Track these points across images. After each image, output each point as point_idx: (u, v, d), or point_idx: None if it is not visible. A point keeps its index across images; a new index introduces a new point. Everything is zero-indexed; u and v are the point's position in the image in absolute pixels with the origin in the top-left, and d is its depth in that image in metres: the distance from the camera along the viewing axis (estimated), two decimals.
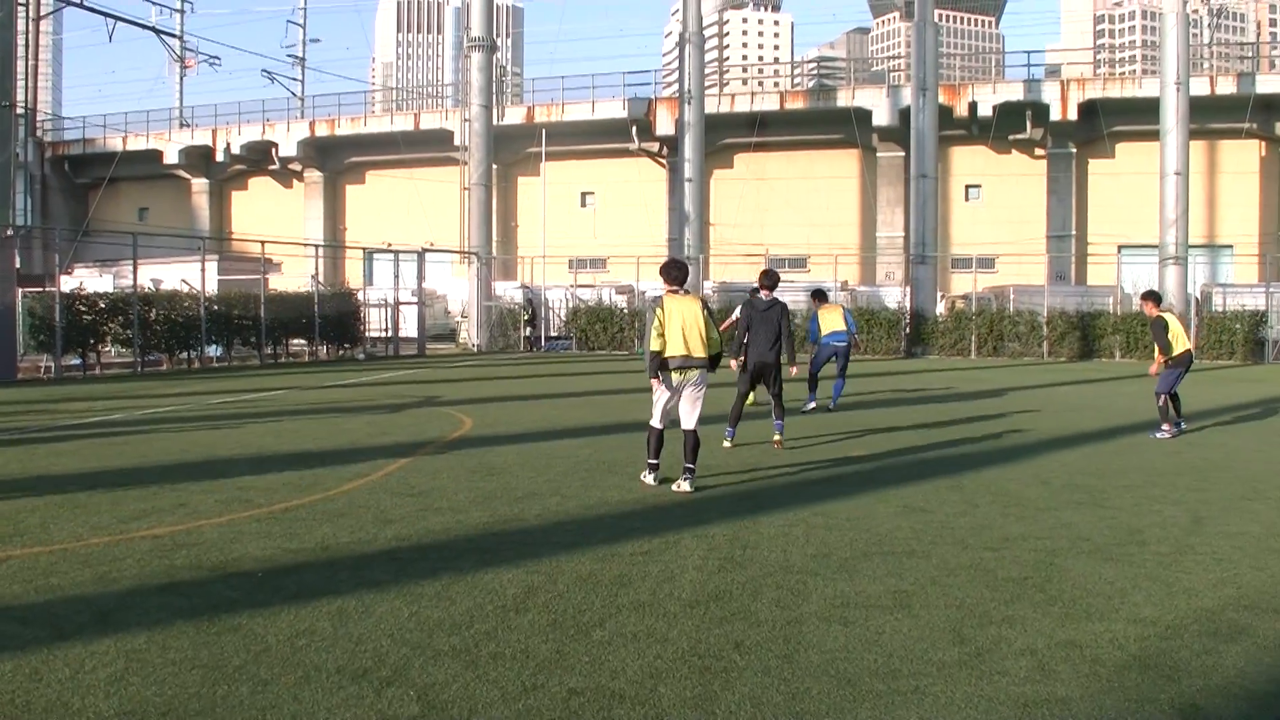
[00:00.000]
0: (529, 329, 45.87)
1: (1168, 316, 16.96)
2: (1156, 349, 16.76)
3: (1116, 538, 8.97)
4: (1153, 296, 17.43)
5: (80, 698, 5.24)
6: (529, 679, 5.52)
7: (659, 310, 11.23)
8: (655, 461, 11.50)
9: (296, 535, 8.85)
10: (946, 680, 5.55)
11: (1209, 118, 49.31)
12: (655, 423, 11.42)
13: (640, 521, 9.64)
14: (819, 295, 21.18)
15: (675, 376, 11.24)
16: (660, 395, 11.36)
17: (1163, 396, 16.64)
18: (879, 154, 56.49)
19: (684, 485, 11.18)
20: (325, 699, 5.24)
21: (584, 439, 15.38)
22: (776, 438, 14.83)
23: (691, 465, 11.29)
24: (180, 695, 5.27)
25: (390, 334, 43.58)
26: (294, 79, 74.64)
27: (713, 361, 11.41)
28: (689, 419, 11.30)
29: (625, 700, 5.25)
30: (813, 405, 19.43)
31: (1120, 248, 51.98)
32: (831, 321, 20.04)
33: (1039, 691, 5.40)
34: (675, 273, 11.46)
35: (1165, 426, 16.42)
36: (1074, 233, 54.24)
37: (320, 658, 5.83)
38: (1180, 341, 16.71)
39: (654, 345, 11.17)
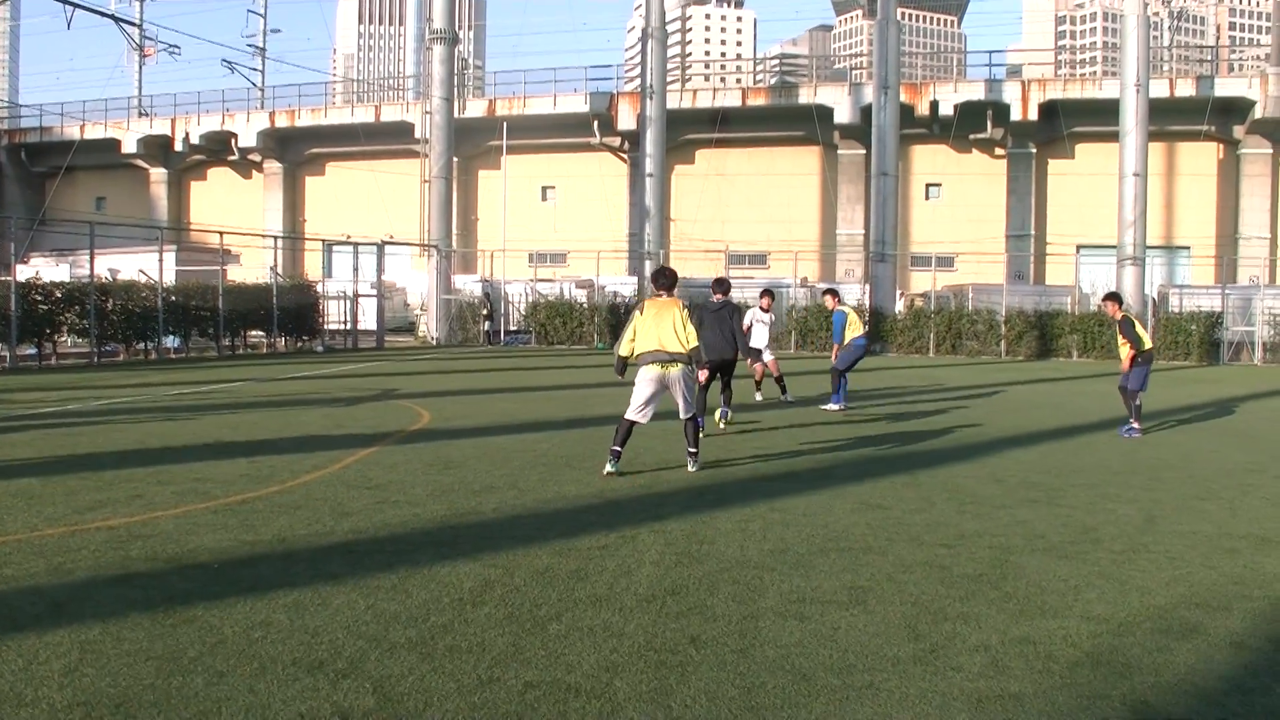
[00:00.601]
0: (487, 323, 45.82)
1: (1132, 316, 17.36)
2: (1127, 347, 16.92)
3: (1071, 535, 9.04)
4: (1115, 298, 17.80)
5: (34, 689, 5.19)
6: (485, 672, 5.52)
7: (637, 313, 12.10)
8: (619, 450, 11.92)
9: (253, 527, 8.80)
10: (901, 676, 5.58)
11: (1168, 120, 49.79)
12: (629, 415, 11.89)
13: (598, 516, 9.64)
14: (835, 294, 21.17)
15: (656, 369, 11.81)
16: (642, 391, 11.86)
17: (1138, 395, 16.82)
18: (840, 151, 56.74)
19: (690, 468, 12.16)
20: (281, 691, 5.21)
21: (543, 433, 15.37)
22: (719, 419, 16.42)
23: (694, 450, 12.27)
24: (135, 687, 5.24)
25: (349, 326, 43.42)
26: (254, 69, 74.08)
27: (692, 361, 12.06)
28: (683, 411, 12.08)
29: (581, 694, 5.25)
30: (837, 406, 19.31)
31: (1079, 248, 52.44)
32: (857, 325, 20.01)
33: (992, 687, 5.44)
34: (664, 280, 12.32)
35: (1136, 424, 16.61)
36: (1033, 232, 54.66)
37: (276, 649, 5.81)
38: (1146, 338, 17.16)
39: (623, 350, 12.01)
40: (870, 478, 12.02)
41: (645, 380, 11.85)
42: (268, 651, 5.78)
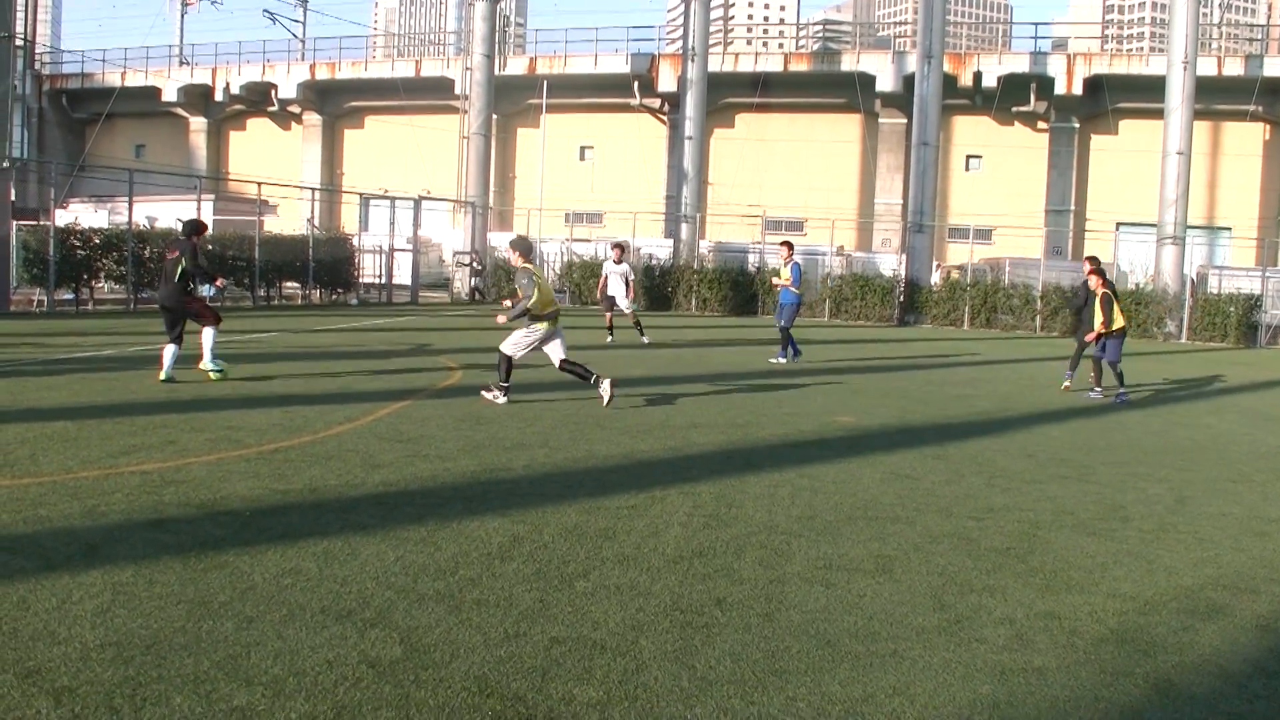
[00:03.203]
0: (476, 279, 45.89)
1: (1112, 294, 18.48)
2: (1099, 319, 17.94)
3: (1100, 513, 9.03)
4: (1100, 271, 18.86)
5: (67, 627, 5.27)
6: (512, 626, 5.56)
7: (537, 277, 13.82)
8: (507, 385, 13.99)
9: (284, 476, 8.87)
10: (925, 645, 5.60)
11: (1214, 98, 49.10)
12: (509, 352, 13.98)
13: (627, 476, 9.68)
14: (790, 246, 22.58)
15: (547, 326, 13.97)
16: (531, 338, 13.98)
17: (1118, 365, 18.04)
18: (881, 120, 56.27)
19: (606, 389, 13.91)
20: (309, 638, 5.27)
21: (573, 392, 15.40)
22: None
23: (587, 374, 14.09)
24: (165, 629, 5.30)
25: (383, 281, 43.48)
26: (295, 20, 74.02)
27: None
28: (558, 356, 14.11)
29: (606, 651, 5.29)
30: (784, 359, 21.12)
31: (1118, 225, 51.92)
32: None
33: (1016, 660, 5.45)
34: (524, 246, 14.57)
35: (1123, 390, 18.03)
36: (1073, 208, 54.12)
37: (305, 597, 5.87)
38: (1119, 318, 18.24)
39: (536, 305, 13.73)
40: (900, 448, 12.02)
41: (537, 331, 13.94)
42: (297, 599, 5.84)
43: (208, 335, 15.27)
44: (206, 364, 15.19)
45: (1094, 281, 18.51)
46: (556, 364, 14.14)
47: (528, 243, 14.83)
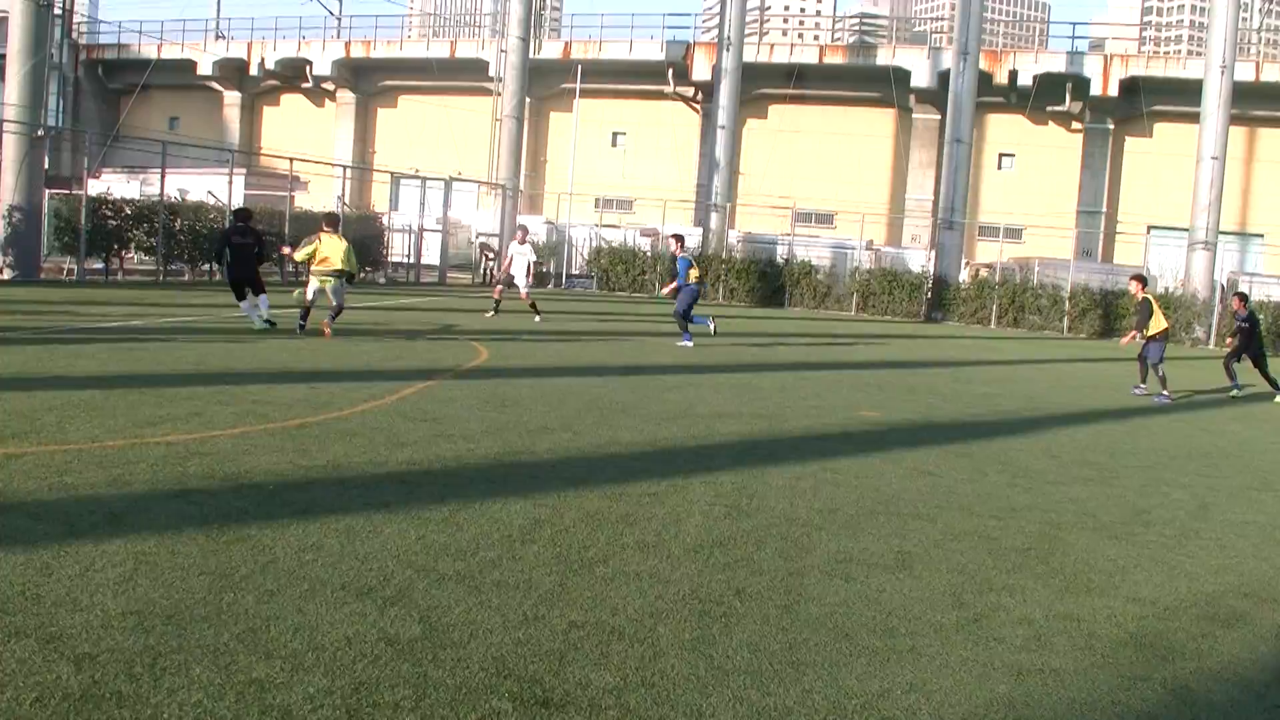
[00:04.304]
0: (492, 263, 45.92)
1: (1151, 298, 19.50)
2: (1134, 324, 19.43)
3: (1122, 516, 8.99)
4: (1142, 280, 20.29)
5: (89, 595, 5.31)
6: (531, 609, 5.58)
7: (317, 241, 18.28)
8: (304, 323, 18.13)
9: (308, 452, 8.91)
10: (943, 642, 5.59)
11: (1252, 104, 48.75)
12: (306, 298, 18.51)
13: (649, 463, 9.69)
14: (681, 240, 24.28)
15: (318, 282, 18.31)
16: (312, 289, 18.44)
17: (1159, 366, 18.86)
18: (914, 115, 56.08)
19: (327, 328, 18.04)
20: (329, 613, 5.30)
21: (599, 378, 15.42)
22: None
23: (334, 318, 18.31)
24: (187, 599, 5.34)
25: (412, 260, 43.58)
26: None
27: (350, 277, 18.85)
28: (338, 301, 18.30)
29: (624, 637, 5.30)
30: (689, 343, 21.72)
31: (1150, 228, 51.57)
32: (695, 273, 22.65)
33: (1033, 661, 5.44)
34: (333, 220, 19.39)
35: (1166, 391, 18.69)
36: (1104, 209, 53.81)
37: (326, 573, 5.90)
38: (1159, 321, 19.07)
39: (301, 256, 18.77)
40: (924, 445, 12.00)
41: (314, 287, 18.42)
42: (318, 574, 5.87)
43: (263, 301, 18.83)
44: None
45: (1133, 287, 19.85)
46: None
47: (333, 217, 20.14)
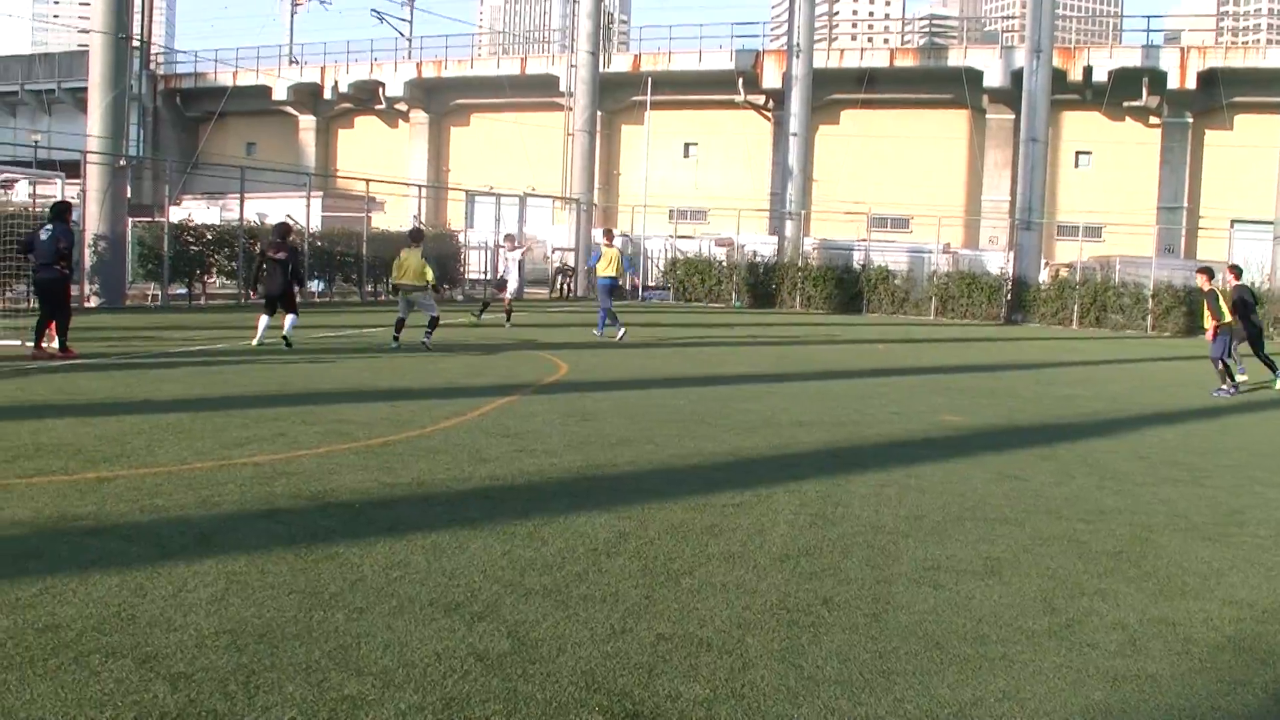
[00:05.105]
0: (563, 276, 46.82)
1: (1219, 291, 19.29)
2: (1209, 316, 18.82)
3: (1214, 517, 8.83)
4: (1208, 271, 19.88)
5: (182, 614, 5.38)
6: (618, 622, 5.58)
7: (400, 256, 19.63)
8: (398, 336, 19.07)
9: (393, 470, 8.98)
10: (1035, 649, 5.52)
11: None
12: (401, 315, 19.62)
13: (732, 473, 9.66)
14: (610, 235, 25.95)
15: (402, 295, 19.57)
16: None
17: (1220, 361, 18.73)
18: (988, 116, 55.55)
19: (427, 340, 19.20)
20: (418, 630, 5.33)
21: (678, 389, 15.42)
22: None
23: (430, 331, 19.39)
24: (278, 618, 5.40)
25: (489, 277, 43.84)
26: (403, 19, 75.00)
27: (434, 288, 19.80)
28: (429, 313, 19.45)
29: (713, 648, 5.28)
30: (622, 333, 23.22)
31: (1233, 222, 50.68)
32: (609, 264, 24.14)
33: (1129, 667, 5.35)
34: (416, 235, 20.50)
35: (1224, 386, 18.58)
36: (1186, 205, 52.92)
37: (414, 590, 5.93)
38: (1227, 312, 18.75)
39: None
40: (1008, 448, 11.87)
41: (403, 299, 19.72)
42: (406, 591, 5.91)
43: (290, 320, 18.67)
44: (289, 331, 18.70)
45: (1200, 280, 19.62)
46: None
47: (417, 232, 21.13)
